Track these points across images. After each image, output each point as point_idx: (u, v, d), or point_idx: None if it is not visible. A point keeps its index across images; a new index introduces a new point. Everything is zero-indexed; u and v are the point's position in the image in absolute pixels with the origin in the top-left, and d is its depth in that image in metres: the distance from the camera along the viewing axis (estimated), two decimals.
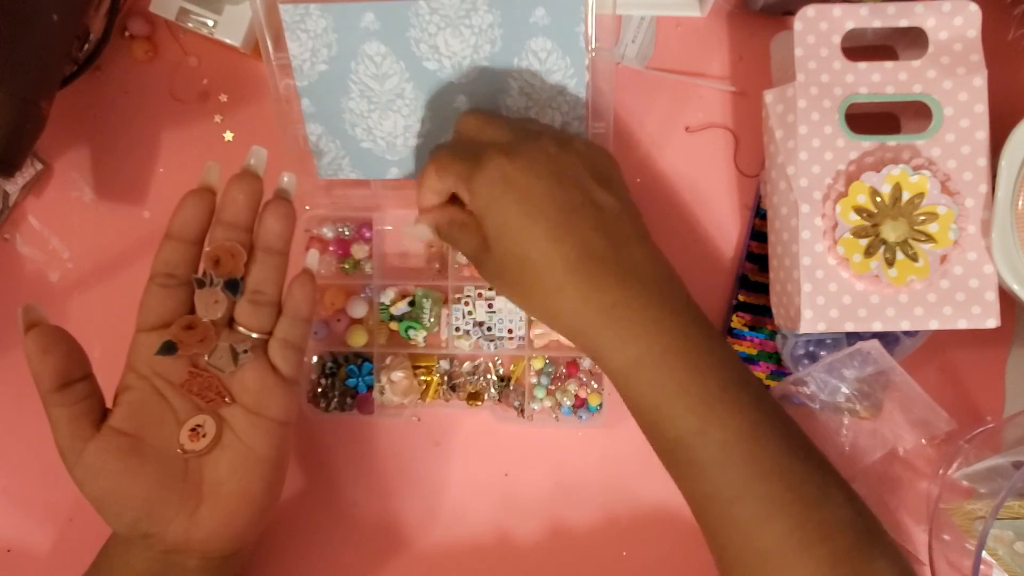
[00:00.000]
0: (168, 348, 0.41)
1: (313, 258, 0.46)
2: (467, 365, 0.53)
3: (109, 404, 0.42)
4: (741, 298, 0.51)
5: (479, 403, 0.52)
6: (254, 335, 0.43)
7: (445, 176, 0.41)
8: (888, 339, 0.47)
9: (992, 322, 0.44)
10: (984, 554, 0.43)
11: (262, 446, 0.42)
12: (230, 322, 0.43)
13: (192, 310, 0.42)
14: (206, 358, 0.41)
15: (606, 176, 0.41)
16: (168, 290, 0.41)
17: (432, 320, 0.52)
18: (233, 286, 0.43)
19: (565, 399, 0.52)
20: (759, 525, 0.37)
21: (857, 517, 0.39)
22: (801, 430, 0.41)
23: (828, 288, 0.44)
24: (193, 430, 0.41)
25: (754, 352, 0.52)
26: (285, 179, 0.44)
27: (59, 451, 0.39)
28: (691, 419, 0.37)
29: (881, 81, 0.44)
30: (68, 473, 0.40)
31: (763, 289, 0.51)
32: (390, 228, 0.53)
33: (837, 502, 0.38)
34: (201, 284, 0.42)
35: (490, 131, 0.42)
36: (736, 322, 0.52)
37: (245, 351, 0.42)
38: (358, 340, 0.52)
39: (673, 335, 0.38)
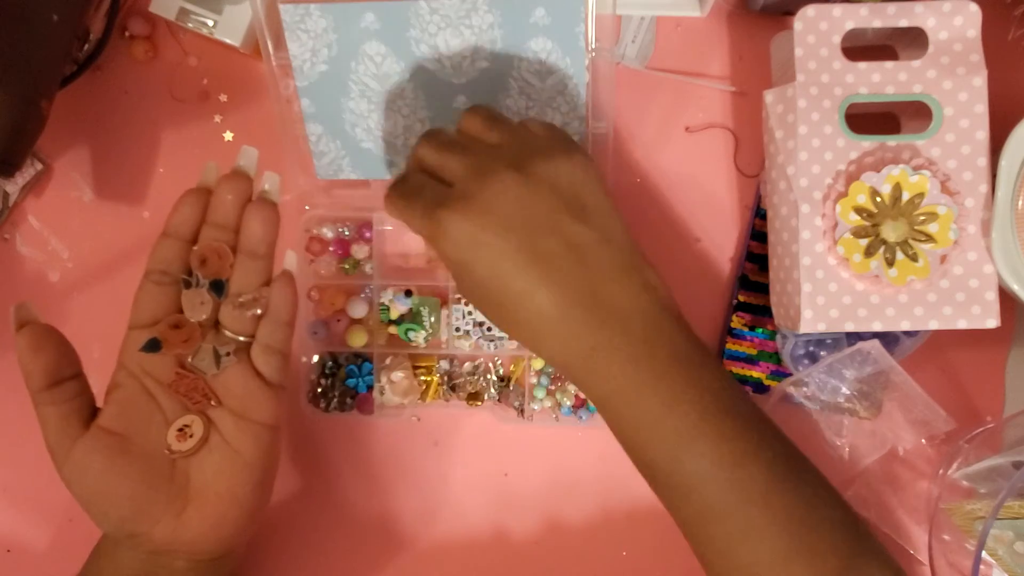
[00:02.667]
0: (152, 345, 0.41)
1: (291, 260, 0.45)
2: (467, 365, 0.53)
3: (101, 402, 0.42)
4: (741, 298, 0.51)
5: (479, 403, 0.52)
6: (240, 338, 0.43)
7: (401, 220, 0.40)
8: (888, 339, 0.47)
9: (992, 322, 0.44)
10: (984, 554, 0.43)
11: (248, 449, 0.41)
12: (216, 324, 0.43)
13: (181, 311, 0.42)
14: (190, 359, 0.41)
15: (584, 203, 0.38)
16: (162, 288, 0.42)
17: (432, 327, 0.52)
18: (219, 287, 0.43)
19: (565, 399, 0.52)
20: (739, 546, 0.37)
21: (852, 539, 0.38)
22: (796, 451, 0.39)
23: (828, 288, 0.44)
24: (181, 430, 0.41)
25: (754, 352, 0.52)
26: (268, 182, 0.44)
27: (48, 449, 0.40)
28: (666, 448, 0.37)
29: (881, 81, 0.44)
30: (57, 472, 0.40)
31: (763, 289, 0.51)
32: (390, 228, 0.53)
33: (829, 524, 0.37)
34: (188, 284, 0.42)
35: (488, 137, 0.40)
36: (736, 322, 0.52)
37: (228, 354, 0.41)
38: (358, 340, 0.52)
39: (652, 370, 0.37)
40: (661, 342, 0.37)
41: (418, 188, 0.39)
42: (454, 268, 0.38)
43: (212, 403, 0.41)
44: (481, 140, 0.40)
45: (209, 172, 0.44)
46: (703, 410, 0.37)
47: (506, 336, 0.52)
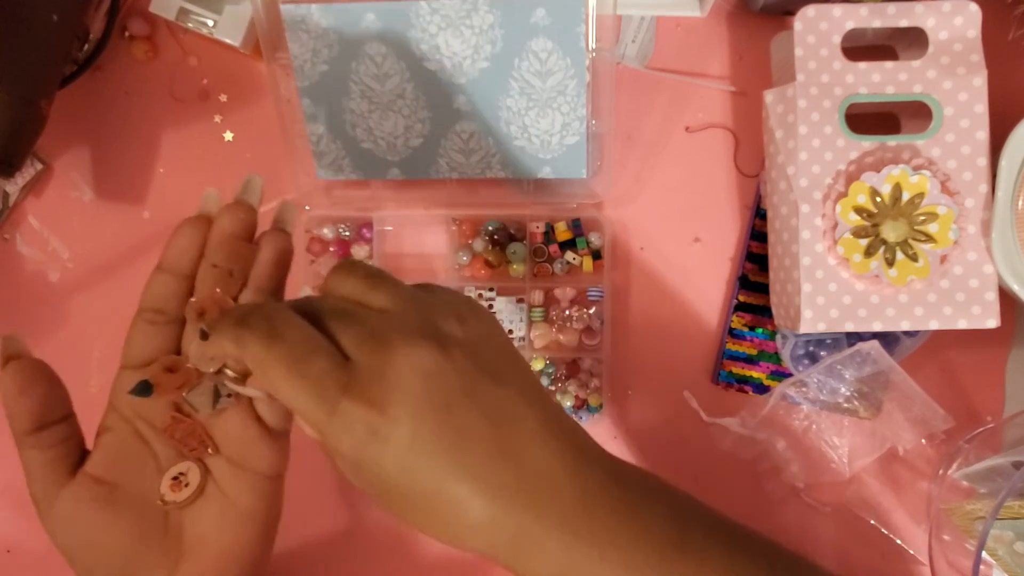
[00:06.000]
0: (143, 389, 0.36)
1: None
2: None
3: (91, 442, 0.38)
4: (741, 298, 0.51)
5: None
6: (245, 389, 0.37)
7: (276, 393, 0.32)
8: (888, 339, 0.47)
9: (992, 322, 0.44)
10: (984, 554, 0.43)
11: (246, 500, 0.37)
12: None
13: (179, 350, 0.38)
14: (185, 394, 0.37)
15: (498, 363, 0.33)
16: (156, 327, 0.38)
17: None
18: None
19: (565, 400, 0.52)
20: None
21: None
22: (790, 560, 0.36)
23: (828, 288, 0.44)
24: (175, 479, 0.37)
25: (754, 352, 0.52)
26: (282, 211, 0.40)
27: (31, 496, 0.36)
28: None
29: (881, 81, 0.44)
30: (39, 521, 0.37)
31: (763, 289, 0.51)
32: (390, 228, 0.53)
33: None
34: (204, 335, 0.36)
35: (363, 317, 0.32)
36: (736, 322, 0.52)
37: (229, 395, 0.37)
38: None
39: (593, 536, 0.31)
40: (599, 500, 0.32)
41: (309, 352, 0.30)
42: (351, 465, 0.31)
43: (209, 450, 0.38)
44: (366, 304, 0.33)
45: (207, 200, 0.39)
46: (666, 556, 0.32)
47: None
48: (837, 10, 0.44)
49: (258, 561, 0.39)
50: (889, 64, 0.44)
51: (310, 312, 0.32)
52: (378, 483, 0.31)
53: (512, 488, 0.31)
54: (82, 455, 0.37)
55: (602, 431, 0.53)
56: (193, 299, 0.38)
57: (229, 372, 0.37)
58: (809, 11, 0.44)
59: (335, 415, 0.30)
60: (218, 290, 0.37)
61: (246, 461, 0.37)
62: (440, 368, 0.31)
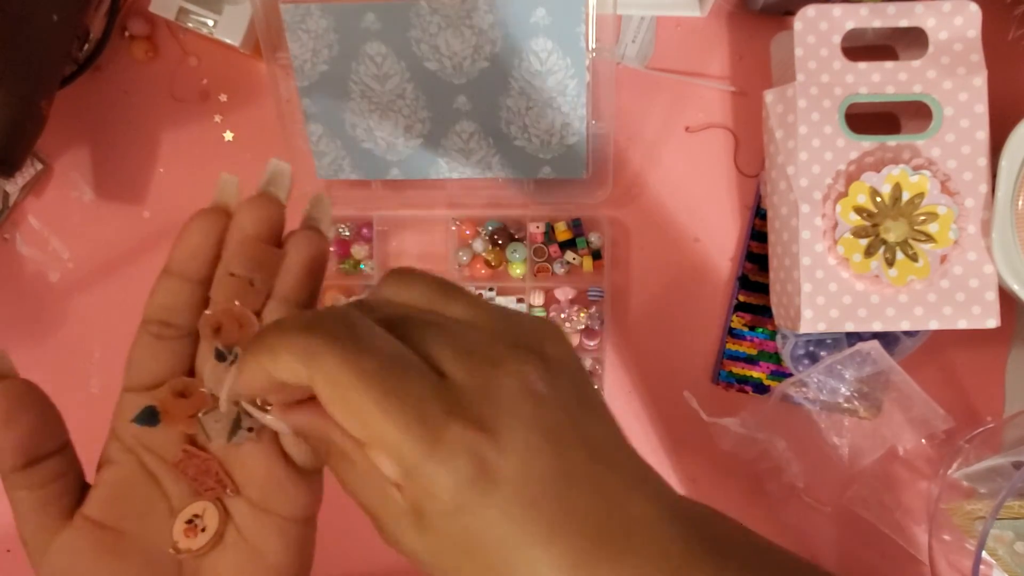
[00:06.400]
0: (149, 417, 0.31)
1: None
2: None
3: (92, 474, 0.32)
4: (741, 298, 0.51)
5: None
6: (268, 418, 0.30)
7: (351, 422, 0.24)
8: (888, 339, 0.47)
9: (992, 322, 0.44)
10: (984, 554, 0.43)
11: (273, 549, 0.31)
12: None
13: (192, 370, 0.32)
14: (200, 415, 0.32)
15: (592, 395, 0.28)
16: (164, 342, 0.31)
17: None
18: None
19: None
20: None
21: None
22: None
23: (828, 288, 0.44)
24: (190, 523, 0.31)
25: (754, 352, 0.52)
26: (315, 206, 0.33)
27: (22, 541, 0.31)
28: None
29: (881, 81, 0.44)
30: (33, 569, 0.31)
31: (763, 289, 0.51)
32: (390, 229, 0.53)
33: None
34: (222, 357, 0.31)
35: (443, 340, 0.25)
36: (736, 322, 0.52)
37: (250, 429, 0.31)
38: None
39: None
40: (697, 551, 0.26)
41: (405, 368, 0.24)
42: (441, 515, 0.24)
43: (228, 491, 0.32)
44: (442, 314, 0.27)
45: (224, 188, 0.32)
46: None
47: None
48: (837, 10, 0.44)
49: None
50: (889, 64, 0.44)
51: (380, 321, 0.26)
52: (462, 543, 0.24)
53: (616, 544, 0.25)
54: (81, 492, 0.31)
55: None
56: (208, 311, 0.32)
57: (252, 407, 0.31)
58: (809, 11, 0.44)
59: (440, 444, 0.23)
60: (237, 303, 0.31)
61: (271, 504, 0.31)
62: (550, 391, 0.25)
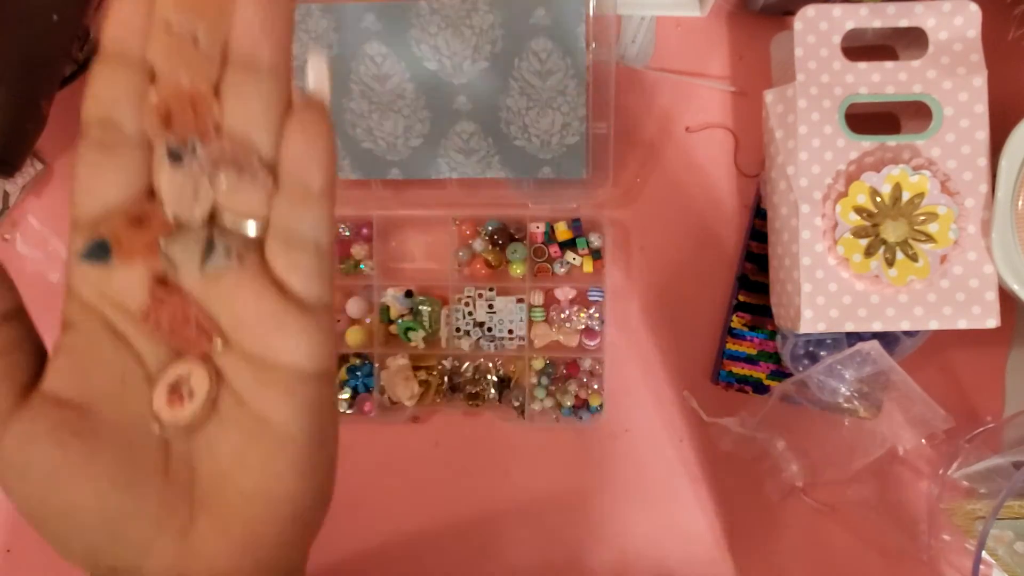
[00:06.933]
0: (98, 251, 0.24)
1: (318, 70, 0.26)
2: (467, 366, 0.53)
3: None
4: (741, 298, 0.51)
5: (479, 404, 0.52)
6: (249, 230, 0.24)
7: None
8: (888, 339, 0.47)
9: (992, 322, 0.44)
10: (984, 554, 0.43)
11: (281, 415, 0.24)
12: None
13: (151, 189, 0.24)
14: (161, 243, 0.24)
15: None
16: (111, 155, 0.25)
17: (431, 327, 0.52)
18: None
19: (566, 399, 0.52)
20: None
21: None
22: None
23: (828, 288, 0.44)
24: (173, 389, 0.24)
25: (754, 352, 0.52)
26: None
27: None
28: None
29: (881, 81, 0.44)
30: None
31: (763, 289, 0.51)
32: (390, 229, 0.53)
33: None
34: (177, 157, 0.24)
35: None
36: (736, 322, 0.52)
37: (227, 248, 0.24)
38: (357, 340, 0.52)
39: None
40: None
41: None
42: None
43: (214, 341, 0.24)
44: None
45: None
46: None
47: (507, 335, 0.52)
48: (837, 10, 0.44)
49: (306, 510, 0.26)
50: (889, 64, 0.44)
51: None
52: None
53: None
54: (39, 368, 0.25)
55: (602, 431, 0.53)
56: (153, 96, 0.24)
57: (228, 217, 0.24)
58: (809, 11, 0.44)
59: None
60: (185, 80, 0.23)
61: (270, 352, 0.24)
62: None
